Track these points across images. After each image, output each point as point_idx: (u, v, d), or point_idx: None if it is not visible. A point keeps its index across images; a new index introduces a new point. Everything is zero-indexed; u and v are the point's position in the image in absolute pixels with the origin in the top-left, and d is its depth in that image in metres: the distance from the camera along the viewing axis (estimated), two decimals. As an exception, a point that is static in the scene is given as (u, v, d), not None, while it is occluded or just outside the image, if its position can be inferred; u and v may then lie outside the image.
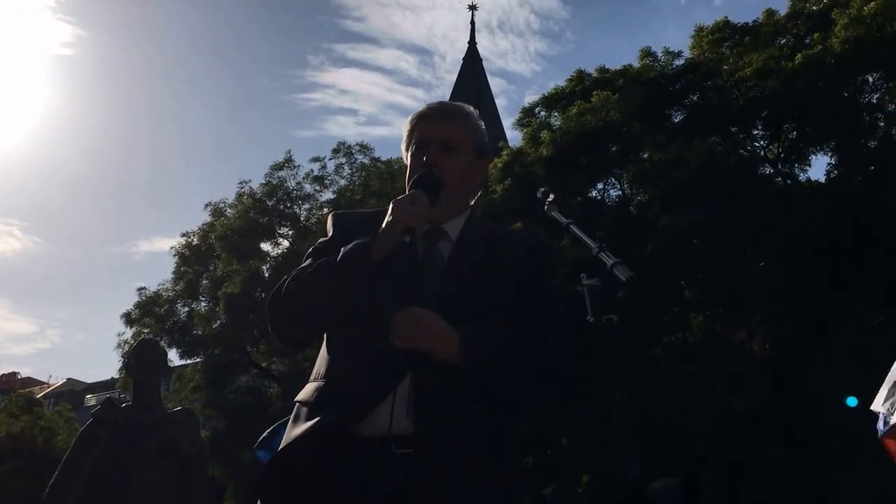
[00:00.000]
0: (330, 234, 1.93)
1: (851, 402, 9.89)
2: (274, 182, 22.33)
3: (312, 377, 1.79)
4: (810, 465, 12.18)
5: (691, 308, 14.94)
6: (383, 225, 1.70)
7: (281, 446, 1.70)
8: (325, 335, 1.82)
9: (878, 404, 4.45)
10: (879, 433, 4.42)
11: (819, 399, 11.98)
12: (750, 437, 12.75)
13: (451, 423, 1.59)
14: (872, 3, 13.92)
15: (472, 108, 2.03)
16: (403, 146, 2.01)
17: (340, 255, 1.71)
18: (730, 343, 15.10)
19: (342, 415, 1.61)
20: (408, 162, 1.98)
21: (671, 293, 14.38)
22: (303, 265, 1.82)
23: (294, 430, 1.68)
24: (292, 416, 1.75)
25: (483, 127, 2.03)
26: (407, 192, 1.78)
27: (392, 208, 1.71)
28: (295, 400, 1.78)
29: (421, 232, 1.72)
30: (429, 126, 1.94)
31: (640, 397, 11.51)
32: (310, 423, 1.64)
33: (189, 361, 22.51)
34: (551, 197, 2.03)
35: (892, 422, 4.33)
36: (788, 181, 16.16)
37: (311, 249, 1.92)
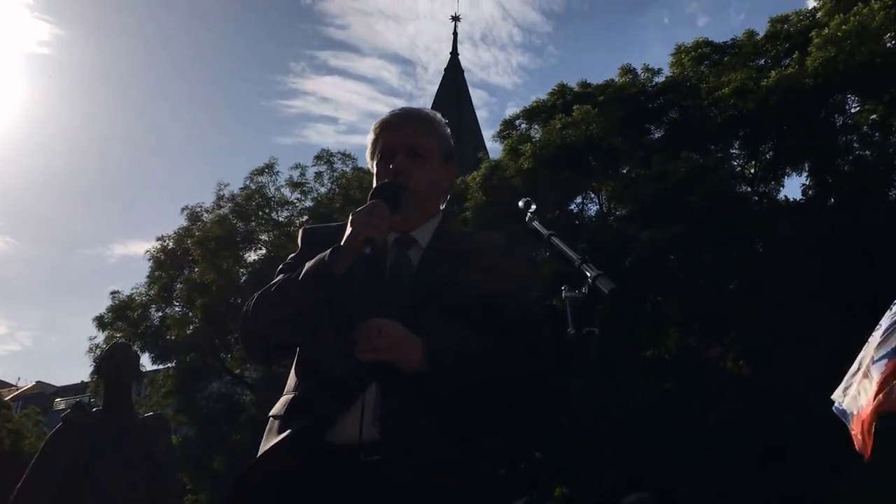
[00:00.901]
0: (300, 248, 1.92)
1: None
2: (254, 187, 22.19)
3: (285, 391, 1.80)
4: (787, 480, 12.28)
5: (669, 324, 15.04)
6: (344, 237, 1.69)
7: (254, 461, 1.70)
8: (296, 350, 1.82)
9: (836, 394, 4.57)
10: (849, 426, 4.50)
11: (795, 414, 12.09)
12: (726, 452, 12.82)
13: (416, 430, 1.59)
14: (845, 26, 14.18)
15: (436, 113, 2.01)
16: (368, 155, 1.99)
17: (303, 270, 1.70)
18: (706, 359, 15.21)
19: (310, 424, 1.62)
20: (373, 170, 1.96)
21: (649, 308, 14.47)
22: (273, 281, 1.81)
23: (266, 444, 1.69)
24: (266, 431, 1.76)
25: (448, 131, 2.01)
26: (367, 203, 1.75)
27: (351, 220, 1.69)
28: (269, 415, 1.78)
29: (382, 242, 1.71)
30: (393, 133, 1.92)
31: (618, 412, 11.55)
32: (281, 435, 1.65)
33: (161, 366, 22.27)
34: (533, 208, 2.03)
35: (847, 410, 4.40)
36: (765, 200, 16.37)
37: (281, 265, 1.90)
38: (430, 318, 1.66)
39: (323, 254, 1.68)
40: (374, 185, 1.87)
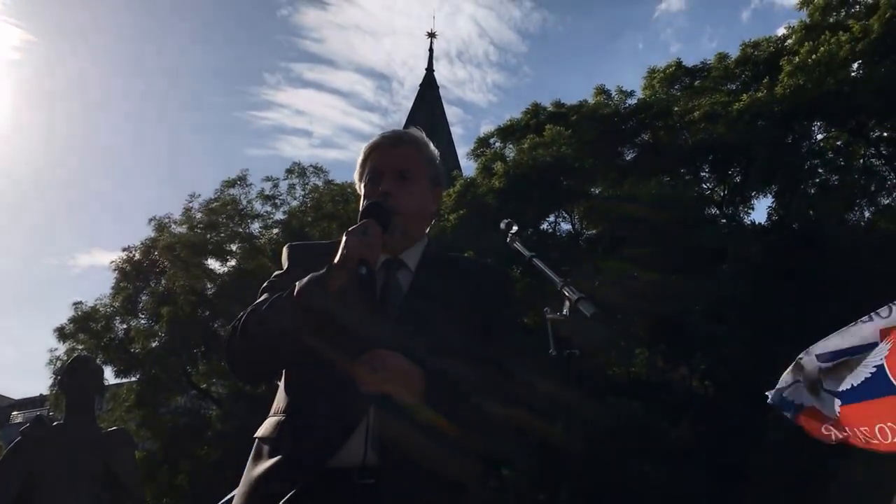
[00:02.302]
0: (285, 266, 1.89)
1: None
2: (226, 198, 21.99)
3: (272, 413, 1.76)
4: (746, 499, 12.39)
5: (636, 343, 15.16)
6: (337, 256, 1.66)
7: (242, 485, 1.69)
8: (284, 370, 1.79)
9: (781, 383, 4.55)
10: (789, 416, 4.48)
11: (755, 434, 12.23)
12: (689, 471, 12.92)
13: (410, 456, 1.59)
14: (815, 56, 14.54)
15: (425, 137, 2.01)
16: (357, 176, 1.98)
17: (296, 289, 1.67)
18: (670, 378, 15.36)
19: (315, 448, 1.61)
20: (361, 192, 1.95)
21: (617, 327, 14.56)
22: (259, 300, 1.79)
23: (257, 467, 1.67)
24: (252, 454, 1.72)
25: (437, 155, 2.01)
26: (358, 223, 1.74)
27: (345, 240, 1.67)
28: (255, 436, 1.75)
29: (376, 263, 1.70)
30: (383, 155, 1.91)
31: (584, 430, 11.57)
32: (276, 458, 1.63)
33: (125, 380, 21.84)
34: (514, 229, 2.04)
35: (802, 402, 4.40)
36: (733, 222, 16.63)
37: (266, 283, 1.88)
38: (421, 343, 1.65)
39: (316, 273, 1.66)
40: (360, 201, 1.89)
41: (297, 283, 1.68)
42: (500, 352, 1.78)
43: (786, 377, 4.45)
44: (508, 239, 2.04)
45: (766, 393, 4.53)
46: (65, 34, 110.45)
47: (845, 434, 4.13)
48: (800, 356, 4.38)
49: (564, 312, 1.61)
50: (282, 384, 1.79)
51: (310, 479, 1.58)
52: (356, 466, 1.59)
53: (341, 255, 1.65)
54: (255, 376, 1.91)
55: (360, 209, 1.80)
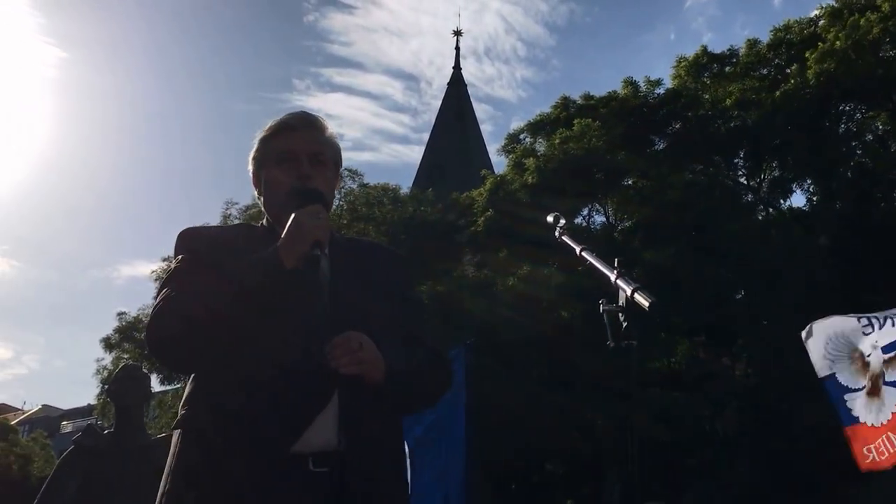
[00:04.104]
0: (192, 248, 1.80)
1: None
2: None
3: (199, 400, 1.67)
4: (792, 489, 12.20)
5: (676, 334, 15.01)
6: (284, 238, 1.63)
7: (182, 477, 1.62)
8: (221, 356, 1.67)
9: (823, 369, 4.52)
10: (842, 419, 4.47)
11: (801, 423, 12.03)
12: (734, 462, 12.76)
13: (372, 439, 1.63)
14: (839, 40, 14.23)
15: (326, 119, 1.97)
16: (256, 155, 1.91)
17: (247, 269, 1.61)
18: (713, 369, 15.16)
19: (281, 432, 1.56)
20: (263, 172, 1.89)
21: (657, 319, 14.43)
22: (180, 283, 1.71)
23: (203, 457, 1.59)
24: (185, 443, 1.65)
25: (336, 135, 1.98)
26: (290, 202, 1.72)
27: (296, 221, 1.64)
28: (185, 424, 1.66)
29: (326, 245, 1.70)
30: (297, 137, 1.86)
31: (624, 422, 11.49)
32: (233, 445, 1.56)
33: (170, 387, 22.21)
34: (562, 223, 2.03)
35: (859, 416, 4.38)
36: (771, 210, 16.36)
37: (178, 265, 1.78)
38: (355, 324, 1.63)
39: (267, 254, 1.62)
40: (269, 187, 1.86)
41: (241, 264, 1.63)
42: (415, 332, 1.85)
43: (822, 362, 4.45)
44: (557, 232, 2.03)
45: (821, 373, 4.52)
46: (98, 50, 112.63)
47: (884, 456, 4.16)
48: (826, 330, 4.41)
49: (620, 304, 1.61)
50: (203, 370, 1.71)
51: (264, 464, 1.54)
52: (326, 450, 1.56)
53: (292, 235, 1.63)
54: (196, 361, 1.70)
55: (293, 191, 1.76)
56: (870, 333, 4.36)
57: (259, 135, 1.92)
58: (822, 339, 4.50)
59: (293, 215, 1.66)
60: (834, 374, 4.49)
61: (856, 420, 4.35)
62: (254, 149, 1.93)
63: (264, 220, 1.92)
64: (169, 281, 1.75)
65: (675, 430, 12.61)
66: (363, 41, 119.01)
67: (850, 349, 4.43)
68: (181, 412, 1.70)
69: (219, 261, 1.68)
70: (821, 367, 4.50)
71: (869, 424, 4.30)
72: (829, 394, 4.48)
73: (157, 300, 1.71)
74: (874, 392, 4.32)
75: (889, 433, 4.19)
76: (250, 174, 1.96)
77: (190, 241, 1.83)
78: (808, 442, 11.68)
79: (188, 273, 1.74)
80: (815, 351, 4.50)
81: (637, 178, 16.42)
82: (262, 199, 1.92)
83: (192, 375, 1.74)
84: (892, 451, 4.15)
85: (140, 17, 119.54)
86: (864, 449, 4.28)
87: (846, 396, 4.42)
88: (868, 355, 4.36)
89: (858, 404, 4.40)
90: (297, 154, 1.84)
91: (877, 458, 4.22)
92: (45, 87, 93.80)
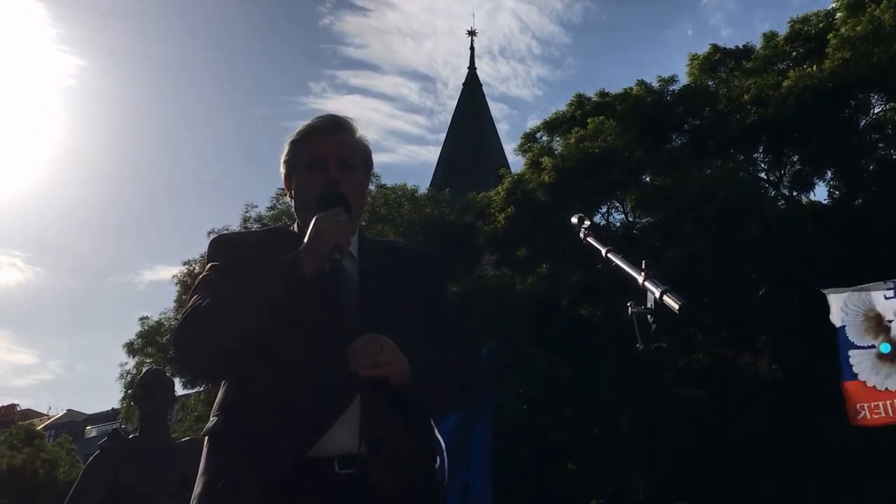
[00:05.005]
0: (222, 257, 1.82)
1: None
2: (282, 207, 22.33)
3: (229, 406, 1.70)
4: (820, 486, 12.08)
5: (699, 331, 14.90)
6: (305, 243, 1.65)
7: (207, 480, 1.63)
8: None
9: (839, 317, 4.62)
10: (843, 375, 4.58)
11: (829, 419, 11.90)
12: (760, 460, 12.65)
13: (395, 440, 1.63)
14: (858, 28, 14.06)
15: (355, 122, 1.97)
16: (287, 158, 1.92)
17: (270, 275, 1.63)
18: (737, 366, 15.04)
19: (305, 435, 1.58)
20: (294, 177, 1.90)
21: (688, 321, 14.34)
22: (209, 290, 1.73)
23: (229, 461, 1.61)
24: (214, 449, 1.68)
25: (366, 140, 1.98)
26: (316, 208, 1.72)
27: (316, 225, 1.65)
28: (213, 430, 1.69)
29: (347, 250, 1.70)
30: (325, 142, 1.86)
31: (649, 421, 11.44)
32: (256, 450, 1.58)
33: (192, 391, 22.37)
34: (587, 224, 1.99)
35: (858, 374, 4.50)
36: (792, 204, 16.20)
37: (208, 274, 1.80)
38: (382, 327, 1.63)
39: (289, 258, 1.64)
40: (300, 191, 1.87)
41: (264, 271, 1.64)
42: (446, 332, 1.83)
43: (838, 313, 4.58)
44: (582, 234, 1.99)
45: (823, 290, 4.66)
46: (117, 59, 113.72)
47: (877, 416, 4.31)
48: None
49: (649, 306, 1.59)
50: (233, 378, 1.73)
51: (288, 469, 1.55)
52: (346, 454, 1.57)
53: (314, 239, 1.64)
54: (222, 368, 1.73)
55: (317, 195, 1.77)
56: (891, 298, 4.47)
57: (289, 138, 1.93)
58: (845, 292, 4.61)
59: (314, 219, 1.67)
60: (844, 326, 4.61)
61: (854, 377, 4.46)
62: (284, 152, 1.94)
63: (295, 224, 1.93)
64: (197, 289, 1.77)
65: (700, 428, 12.53)
66: (378, 43, 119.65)
67: (867, 307, 4.53)
68: (212, 418, 1.73)
69: (248, 268, 1.69)
70: (836, 316, 4.64)
71: (870, 385, 4.42)
72: (838, 343, 4.64)
73: (185, 309, 1.73)
74: (891, 359, 4.45)
75: (893, 400, 4.32)
76: (282, 177, 1.97)
77: (220, 248, 1.85)
78: (835, 438, 11.56)
79: (215, 283, 1.75)
80: (834, 302, 4.63)
81: (655, 175, 16.33)
82: (293, 201, 1.93)
83: (223, 382, 1.76)
84: (888, 415, 4.27)
85: (158, 26, 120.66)
86: (858, 405, 4.40)
87: (850, 352, 4.53)
88: (890, 321, 4.49)
89: (862, 362, 4.50)
90: (325, 158, 1.85)
91: (868, 416, 4.34)
92: (65, 95, 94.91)
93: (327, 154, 1.85)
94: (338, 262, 1.62)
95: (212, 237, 1.94)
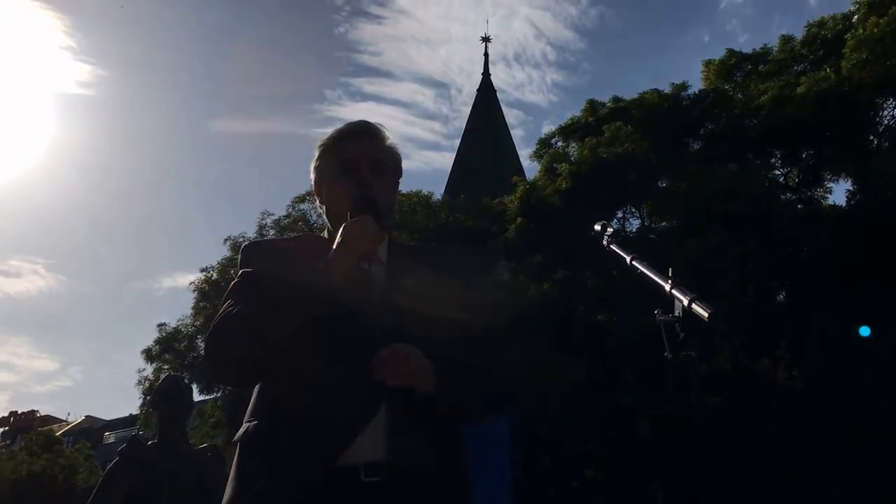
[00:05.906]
0: (252, 264, 1.81)
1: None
2: (297, 214, 22.37)
3: (259, 414, 1.71)
4: (842, 494, 11.94)
5: (715, 336, 14.77)
6: (333, 251, 1.63)
7: (237, 487, 1.64)
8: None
9: None
10: None
11: (850, 425, 11.77)
12: (781, 467, 12.51)
13: (422, 448, 1.61)
14: (877, 28, 13.91)
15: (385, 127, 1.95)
16: (318, 164, 1.91)
17: (299, 284, 1.62)
18: (755, 372, 14.88)
19: (331, 444, 1.57)
20: (325, 182, 1.89)
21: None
22: (238, 298, 1.73)
23: (257, 469, 1.62)
24: (243, 456, 1.67)
25: (397, 144, 1.96)
26: (350, 215, 1.70)
27: (344, 233, 1.64)
28: (242, 439, 1.69)
29: (376, 258, 1.69)
30: (356, 146, 1.85)
31: (666, 429, 11.35)
32: (283, 458, 1.59)
33: (209, 397, 22.46)
34: (610, 231, 1.97)
35: None
36: (810, 207, 16.06)
37: (238, 282, 1.80)
38: (413, 334, 1.62)
39: (315, 267, 1.62)
40: (332, 197, 1.86)
41: (295, 280, 1.62)
42: (484, 335, 1.80)
43: None
44: (605, 241, 1.97)
45: None
46: (134, 68, 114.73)
47: None
48: None
49: (677, 314, 1.57)
50: (264, 385, 1.74)
51: (320, 478, 1.55)
52: (372, 462, 1.57)
53: (342, 247, 1.63)
54: (252, 376, 1.74)
55: (351, 200, 1.74)
56: None
57: (319, 143, 1.91)
58: None
59: (342, 228, 1.66)
60: None
61: None
62: (314, 158, 1.92)
63: (326, 231, 1.91)
64: (230, 295, 1.79)
65: (717, 434, 12.41)
66: (392, 50, 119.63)
67: None
68: (244, 424, 1.73)
69: (279, 276, 1.68)
70: None
71: None
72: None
73: (217, 315, 1.74)
74: None
75: None
76: (312, 183, 1.96)
77: (251, 255, 1.85)
78: (856, 443, 11.44)
79: (246, 291, 1.75)
80: None
81: (670, 180, 16.25)
82: (323, 207, 1.91)
83: (256, 388, 1.76)
84: None
85: (175, 35, 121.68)
86: None
87: None
88: None
89: None
90: (357, 162, 1.84)
91: None
92: (83, 104, 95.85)
93: (359, 157, 1.84)
94: (366, 271, 1.61)
95: (228, 243, 1.94)
